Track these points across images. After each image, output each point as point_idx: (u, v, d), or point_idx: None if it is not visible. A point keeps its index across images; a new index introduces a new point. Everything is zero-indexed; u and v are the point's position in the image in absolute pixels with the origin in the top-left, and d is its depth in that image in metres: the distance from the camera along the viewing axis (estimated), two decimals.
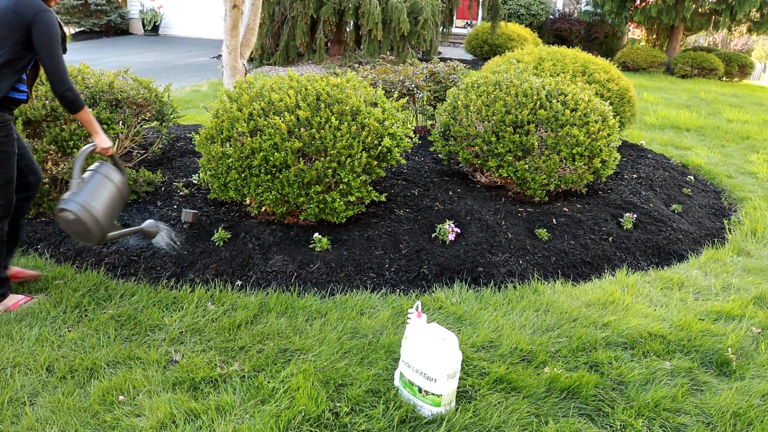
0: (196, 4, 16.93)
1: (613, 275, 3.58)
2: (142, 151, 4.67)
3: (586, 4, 17.22)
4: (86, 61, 4.85)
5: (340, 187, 3.47)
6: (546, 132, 4.05)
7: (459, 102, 4.40)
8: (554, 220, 4.00)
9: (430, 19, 11.36)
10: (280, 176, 3.38)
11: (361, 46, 11.54)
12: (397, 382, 2.41)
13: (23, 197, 2.96)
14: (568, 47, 6.64)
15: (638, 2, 15.47)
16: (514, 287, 3.33)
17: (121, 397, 2.31)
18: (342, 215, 3.58)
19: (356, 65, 10.38)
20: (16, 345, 2.62)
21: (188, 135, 5.31)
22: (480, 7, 13.86)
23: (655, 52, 14.94)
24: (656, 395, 2.46)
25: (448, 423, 2.22)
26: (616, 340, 2.87)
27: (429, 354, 2.24)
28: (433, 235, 3.64)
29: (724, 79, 14.71)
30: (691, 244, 4.11)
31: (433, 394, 2.24)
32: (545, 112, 4.04)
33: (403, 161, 3.81)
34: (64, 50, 2.77)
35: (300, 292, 3.18)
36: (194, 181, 4.22)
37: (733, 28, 15.63)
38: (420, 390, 2.27)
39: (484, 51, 13.83)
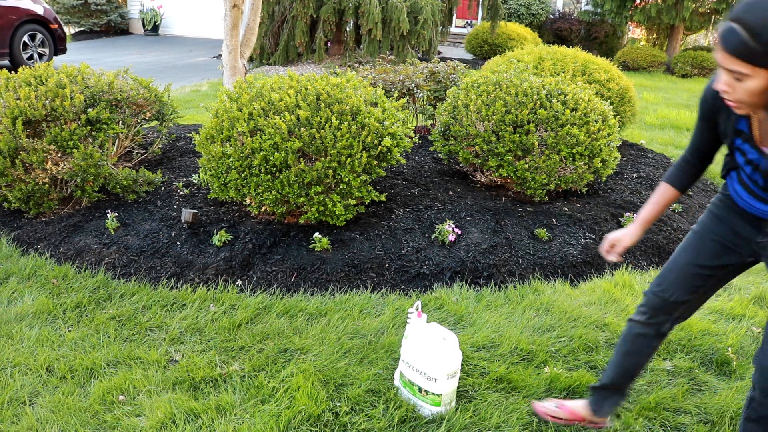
0: (196, 4, 16.93)
1: (613, 275, 3.58)
2: (142, 151, 4.67)
3: (586, 4, 17.22)
4: (86, 61, 4.85)
5: (341, 187, 3.47)
6: (546, 132, 4.05)
7: (459, 102, 4.40)
8: (554, 219, 4.00)
9: (429, 18, 11.36)
10: (281, 176, 3.38)
11: (361, 46, 11.54)
12: (397, 381, 2.41)
13: None
14: (568, 47, 6.63)
15: (638, 2, 15.46)
16: (514, 287, 3.33)
17: (121, 397, 2.32)
18: (342, 218, 3.58)
19: (356, 65, 10.38)
20: (16, 345, 2.62)
21: (188, 135, 5.32)
22: (480, 6, 13.85)
23: (655, 51, 14.94)
24: (656, 395, 2.46)
25: (448, 423, 2.22)
26: (616, 339, 2.86)
27: (429, 354, 2.24)
28: (433, 235, 3.64)
29: None
30: None
31: (433, 393, 2.24)
32: (545, 112, 4.04)
33: (403, 161, 3.81)
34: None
35: (300, 291, 3.19)
36: (194, 181, 4.22)
37: None
38: (420, 390, 2.27)
39: (484, 50, 13.83)
